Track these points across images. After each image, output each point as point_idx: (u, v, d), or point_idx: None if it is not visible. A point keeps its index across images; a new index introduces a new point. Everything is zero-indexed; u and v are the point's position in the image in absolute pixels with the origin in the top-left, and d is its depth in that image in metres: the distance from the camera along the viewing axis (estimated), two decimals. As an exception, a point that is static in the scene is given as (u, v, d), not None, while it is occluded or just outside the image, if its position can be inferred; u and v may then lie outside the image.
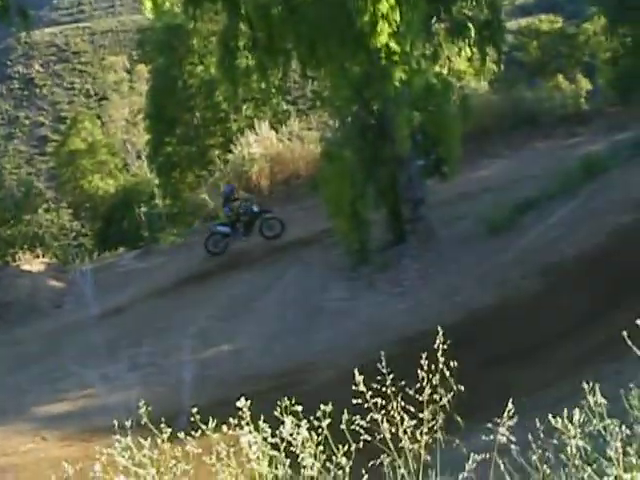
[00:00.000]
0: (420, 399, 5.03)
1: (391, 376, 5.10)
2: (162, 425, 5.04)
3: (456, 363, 5.18)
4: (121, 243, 36.78)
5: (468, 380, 5.24)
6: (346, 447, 4.80)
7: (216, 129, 36.97)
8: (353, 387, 4.97)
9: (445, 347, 5.21)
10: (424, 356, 5.13)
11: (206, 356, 19.89)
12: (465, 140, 23.88)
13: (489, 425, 4.81)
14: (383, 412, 4.95)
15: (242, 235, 27.25)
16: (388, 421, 4.93)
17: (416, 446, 4.92)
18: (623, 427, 4.33)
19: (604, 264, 18.31)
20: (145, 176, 45.25)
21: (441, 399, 5.06)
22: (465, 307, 18.87)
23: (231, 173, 34.46)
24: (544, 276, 19.22)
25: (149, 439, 4.99)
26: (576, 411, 4.34)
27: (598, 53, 38.46)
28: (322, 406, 4.83)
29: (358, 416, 4.97)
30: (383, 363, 5.17)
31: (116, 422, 5.26)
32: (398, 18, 20.64)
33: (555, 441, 4.49)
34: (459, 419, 5.33)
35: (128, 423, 5.19)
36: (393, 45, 20.83)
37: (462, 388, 5.13)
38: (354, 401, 4.97)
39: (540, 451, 4.52)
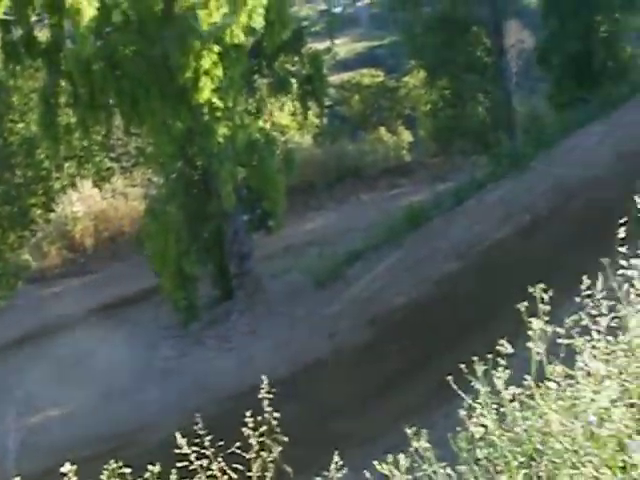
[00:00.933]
0: (247, 456, 4.95)
1: (211, 436, 4.99)
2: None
3: (287, 415, 5.12)
4: (-60, 308, 35.46)
5: (300, 433, 5.19)
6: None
7: (38, 188, 36.04)
8: (177, 450, 4.86)
9: (275, 400, 5.15)
10: (252, 411, 5.05)
11: (33, 422, 19.30)
12: (290, 193, 24.05)
13: (318, 479, 4.75)
14: (209, 473, 4.85)
15: None
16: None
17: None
18: (449, 469, 4.35)
19: (431, 311, 18.63)
20: (-35, 238, 43.87)
21: (270, 453, 4.99)
22: (296, 360, 18.87)
23: (54, 232, 33.75)
24: (373, 326, 19.41)
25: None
26: (402, 456, 4.33)
27: (419, 106, 39.23)
28: (150, 467, 4.70)
29: (187, 477, 4.85)
30: (201, 424, 5.11)
31: None
32: (221, 74, 20.69)
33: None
34: (289, 470, 5.26)
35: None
36: (216, 101, 20.86)
37: (288, 440, 5.06)
38: (179, 464, 4.86)
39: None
